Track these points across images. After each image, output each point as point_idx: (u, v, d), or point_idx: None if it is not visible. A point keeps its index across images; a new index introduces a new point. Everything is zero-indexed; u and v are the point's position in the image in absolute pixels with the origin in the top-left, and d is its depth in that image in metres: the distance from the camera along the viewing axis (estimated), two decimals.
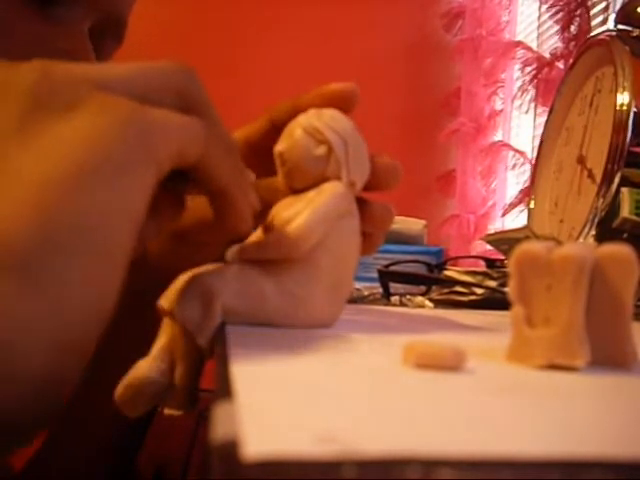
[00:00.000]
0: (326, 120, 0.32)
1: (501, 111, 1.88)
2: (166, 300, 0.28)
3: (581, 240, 0.61)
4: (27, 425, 0.20)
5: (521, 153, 1.73)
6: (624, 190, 0.59)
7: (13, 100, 0.22)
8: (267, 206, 0.32)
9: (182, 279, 0.28)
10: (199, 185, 0.27)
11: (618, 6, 1.11)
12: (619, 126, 0.60)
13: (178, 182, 0.28)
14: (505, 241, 0.69)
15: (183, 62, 0.27)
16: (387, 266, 0.66)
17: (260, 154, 0.38)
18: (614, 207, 0.59)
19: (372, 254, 0.37)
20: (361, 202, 0.33)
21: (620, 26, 0.68)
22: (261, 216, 0.32)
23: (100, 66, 0.25)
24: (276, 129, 0.33)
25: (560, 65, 1.48)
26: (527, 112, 1.63)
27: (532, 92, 1.58)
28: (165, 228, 0.29)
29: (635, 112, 0.61)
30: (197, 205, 0.40)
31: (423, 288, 0.62)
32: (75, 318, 0.20)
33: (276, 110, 0.38)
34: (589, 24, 1.39)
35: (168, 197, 0.29)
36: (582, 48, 0.74)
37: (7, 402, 0.19)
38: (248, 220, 0.29)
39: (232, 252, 0.31)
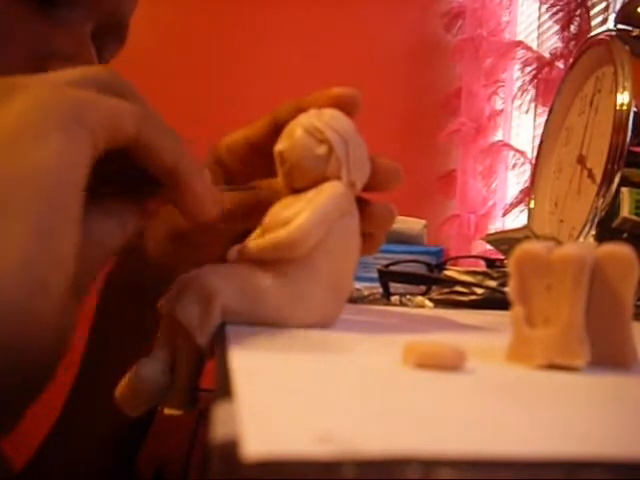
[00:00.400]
0: (326, 120, 0.32)
1: (501, 111, 1.88)
2: (166, 300, 0.28)
3: (581, 240, 0.61)
4: (17, 381, 0.22)
5: (521, 153, 1.73)
6: (624, 190, 0.59)
7: None
8: (267, 207, 0.32)
9: (182, 279, 0.28)
10: (151, 172, 0.27)
11: (618, 6, 1.11)
12: (619, 126, 0.60)
13: (137, 185, 0.28)
14: (505, 241, 0.69)
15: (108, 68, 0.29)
16: (387, 266, 0.66)
17: (262, 154, 0.38)
18: (614, 207, 0.59)
19: (373, 254, 0.37)
20: (361, 202, 0.33)
21: (620, 26, 0.68)
22: (261, 216, 0.32)
23: (25, 75, 0.26)
24: (278, 129, 0.34)
25: (560, 65, 1.48)
26: (527, 112, 1.63)
27: (532, 92, 1.58)
28: (133, 231, 0.29)
29: (635, 112, 0.61)
30: None
31: (423, 288, 0.62)
32: (40, 265, 0.22)
33: (279, 111, 0.38)
34: (589, 24, 1.38)
35: (129, 200, 0.29)
36: (582, 48, 0.74)
37: None
38: (208, 201, 0.28)
39: (232, 252, 0.31)
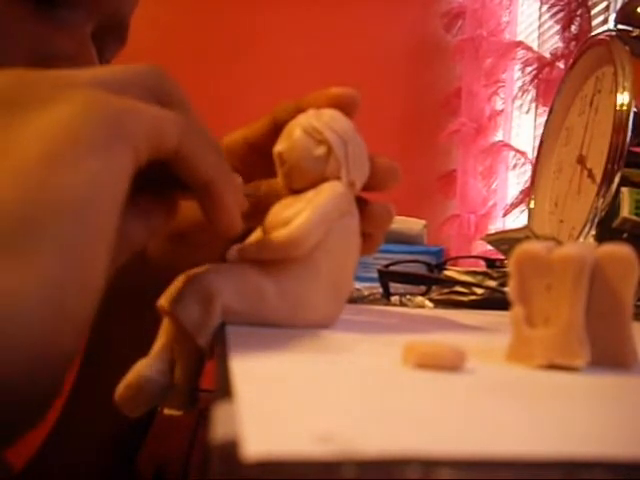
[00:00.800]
0: (325, 120, 0.32)
1: (502, 111, 1.88)
2: (166, 300, 0.28)
3: (581, 240, 0.61)
4: (32, 400, 0.21)
5: (522, 153, 1.73)
6: (624, 190, 0.59)
7: None
8: (267, 207, 0.32)
9: (182, 279, 0.28)
10: (185, 181, 0.27)
11: (618, 6, 1.11)
12: (619, 126, 0.60)
13: (167, 185, 0.28)
14: (505, 241, 0.69)
15: (159, 65, 0.27)
16: (387, 266, 0.66)
17: (261, 154, 0.38)
18: (614, 207, 0.59)
19: (372, 254, 0.37)
20: (361, 202, 0.33)
21: (620, 26, 0.68)
22: (261, 216, 0.32)
23: (71, 70, 0.25)
24: (277, 130, 0.34)
25: (560, 65, 1.48)
26: (528, 112, 1.63)
27: (532, 92, 1.58)
28: (158, 231, 0.29)
29: (635, 112, 0.61)
30: (194, 205, 0.40)
31: (423, 288, 0.62)
32: (63, 287, 0.21)
33: (278, 111, 0.38)
34: (589, 24, 1.38)
35: (158, 200, 0.29)
36: (582, 48, 0.74)
37: (11, 375, 0.19)
38: (237, 217, 0.28)
39: (232, 252, 0.31)
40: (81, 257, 0.21)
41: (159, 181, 0.28)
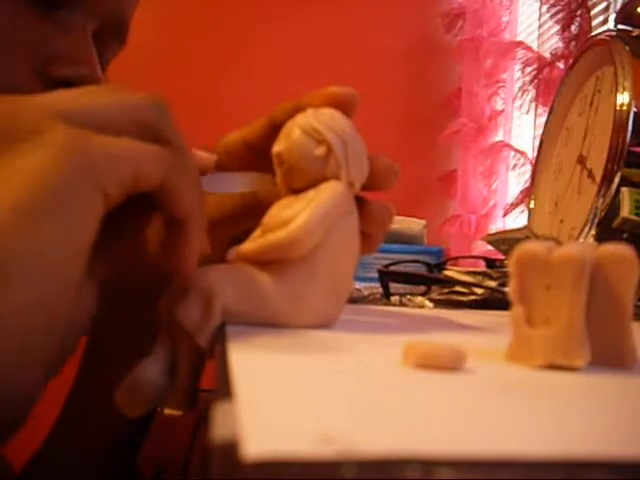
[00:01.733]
0: (325, 120, 0.32)
1: (502, 111, 1.88)
2: (166, 300, 0.28)
3: (581, 240, 0.61)
4: None
5: (522, 153, 1.73)
6: (624, 190, 0.59)
7: None
8: (267, 207, 0.32)
9: (182, 279, 0.28)
10: (164, 212, 0.28)
11: (618, 6, 1.11)
12: (619, 126, 0.60)
13: (136, 208, 0.28)
14: (505, 241, 0.69)
15: (159, 94, 0.28)
16: (387, 266, 0.66)
17: (260, 154, 0.38)
18: (614, 207, 0.59)
19: (372, 253, 0.37)
20: (360, 202, 0.33)
21: (620, 26, 0.68)
22: (261, 217, 0.32)
23: (65, 95, 0.26)
24: (276, 130, 0.33)
25: (560, 65, 1.48)
26: (528, 112, 1.63)
27: (532, 92, 1.58)
28: (120, 253, 0.30)
29: (635, 112, 0.61)
30: None
31: (423, 288, 0.62)
32: (25, 337, 0.22)
33: (276, 111, 0.38)
34: (589, 24, 1.38)
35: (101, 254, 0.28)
36: (582, 48, 0.74)
37: None
38: (193, 260, 0.29)
39: (232, 252, 0.31)
40: (50, 304, 0.23)
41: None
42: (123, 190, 0.25)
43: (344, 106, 0.33)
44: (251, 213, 0.36)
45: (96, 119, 0.25)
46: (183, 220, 0.28)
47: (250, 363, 0.21)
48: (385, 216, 0.35)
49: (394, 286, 0.63)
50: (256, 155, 0.39)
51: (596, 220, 0.60)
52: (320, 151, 0.31)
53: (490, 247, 0.73)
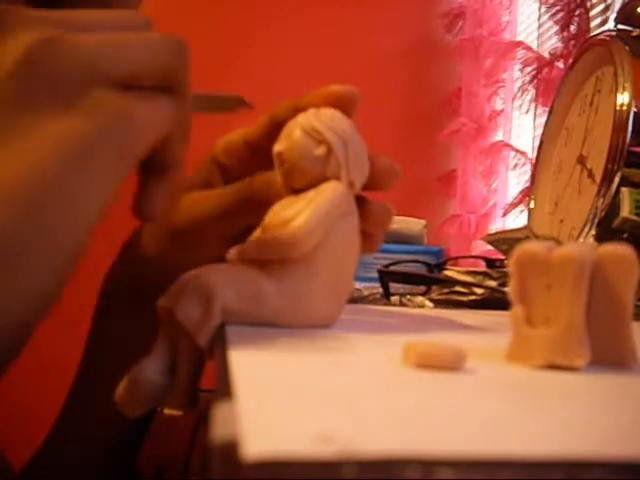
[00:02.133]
0: (325, 120, 0.32)
1: (502, 111, 1.88)
2: (166, 300, 0.28)
3: (581, 240, 0.61)
4: None
5: (522, 153, 1.73)
6: (624, 190, 0.59)
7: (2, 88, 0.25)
8: (262, 201, 0.32)
9: (182, 279, 0.28)
10: (153, 155, 0.29)
11: (618, 6, 1.11)
12: (619, 126, 0.60)
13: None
14: (505, 241, 0.69)
15: (182, 40, 0.30)
16: (387, 266, 0.66)
17: (260, 154, 0.38)
18: (614, 207, 0.59)
19: (372, 253, 0.37)
20: (360, 201, 0.33)
21: (620, 26, 0.68)
22: (257, 211, 0.32)
23: (98, 36, 0.27)
24: (276, 129, 0.33)
25: (560, 65, 1.47)
26: (527, 112, 1.63)
27: (532, 92, 1.58)
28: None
29: (635, 112, 0.61)
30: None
31: (423, 288, 0.62)
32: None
33: (277, 110, 0.38)
34: (589, 24, 1.38)
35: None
36: (582, 48, 0.74)
37: None
38: (162, 205, 0.30)
39: (232, 252, 0.31)
40: (51, 274, 0.25)
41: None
42: (143, 154, 0.27)
43: (345, 105, 0.33)
44: (247, 208, 0.37)
45: (126, 63, 0.27)
46: (170, 167, 0.29)
47: (250, 363, 0.21)
48: (385, 216, 0.35)
49: (394, 286, 0.63)
50: (256, 154, 0.39)
51: (596, 220, 0.60)
52: (320, 151, 0.31)
53: (490, 247, 0.73)
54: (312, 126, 0.31)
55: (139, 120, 0.26)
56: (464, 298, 0.57)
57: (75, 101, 0.25)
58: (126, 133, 0.26)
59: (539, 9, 1.65)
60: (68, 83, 0.25)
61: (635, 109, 0.61)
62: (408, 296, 0.60)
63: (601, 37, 0.70)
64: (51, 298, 0.25)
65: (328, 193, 0.30)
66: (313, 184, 0.31)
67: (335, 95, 0.34)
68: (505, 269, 0.63)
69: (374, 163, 0.34)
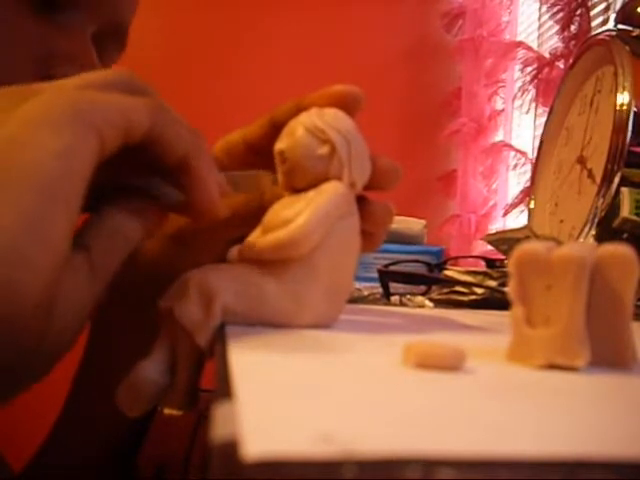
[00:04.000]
0: (328, 119, 0.31)
1: (502, 111, 1.88)
2: (166, 300, 0.28)
3: (581, 240, 0.61)
4: (8, 351, 0.23)
5: (522, 153, 1.73)
6: (624, 190, 0.59)
7: None
8: (265, 203, 0.32)
9: (182, 279, 0.28)
10: (163, 162, 0.28)
11: (618, 6, 1.11)
12: (619, 126, 0.60)
13: (157, 193, 0.30)
14: (505, 241, 0.68)
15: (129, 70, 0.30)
16: (387, 266, 0.66)
17: (260, 155, 0.38)
18: (614, 207, 0.59)
19: (372, 252, 0.37)
20: (361, 201, 0.33)
21: (620, 26, 0.68)
22: (260, 215, 0.32)
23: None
24: (277, 130, 0.33)
25: (560, 65, 1.48)
26: (528, 112, 1.63)
27: (532, 92, 1.58)
28: (152, 230, 0.31)
29: (635, 112, 0.61)
30: None
31: (423, 288, 0.62)
32: (17, 237, 0.23)
33: (277, 111, 0.38)
34: (589, 24, 1.38)
35: (151, 205, 0.30)
36: (582, 48, 0.74)
37: None
38: (215, 193, 0.29)
39: (232, 252, 0.31)
40: (43, 220, 0.24)
41: (148, 183, 0.30)
42: (117, 135, 0.26)
43: (348, 105, 0.33)
44: (254, 218, 0.36)
45: (90, 83, 0.28)
46: (182, 158, 0.28)
47: (250, 363, 0.21)
48: (386, 215, 0.35)
49: (394, 286, 0.63)
50: (256, 155, 0.39)
51: (596, 220, 0.60)
52: (323, 150, 0.31)
53: (490, 247, 0.73)
54: (315, 125, 0.31)
55: (95, 97, 0.26)
56: (464, 298, 0.57)
57: (39, 91, 0.26)
58: (81, 102, 0.26)
59: (539, 9, 1.65)
60: (29, 90, 0.27)
61: (635, 109, 0.61)
62: (408, 296, 0.60)
63: (601, 37, 0.70)
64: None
65: (329, 193, 0.30)
66: (314, 184, 0.31)
67: (339, 95, 0.34)
68: (505, 269, 0.63)
69: (376, 163, 0.33)
